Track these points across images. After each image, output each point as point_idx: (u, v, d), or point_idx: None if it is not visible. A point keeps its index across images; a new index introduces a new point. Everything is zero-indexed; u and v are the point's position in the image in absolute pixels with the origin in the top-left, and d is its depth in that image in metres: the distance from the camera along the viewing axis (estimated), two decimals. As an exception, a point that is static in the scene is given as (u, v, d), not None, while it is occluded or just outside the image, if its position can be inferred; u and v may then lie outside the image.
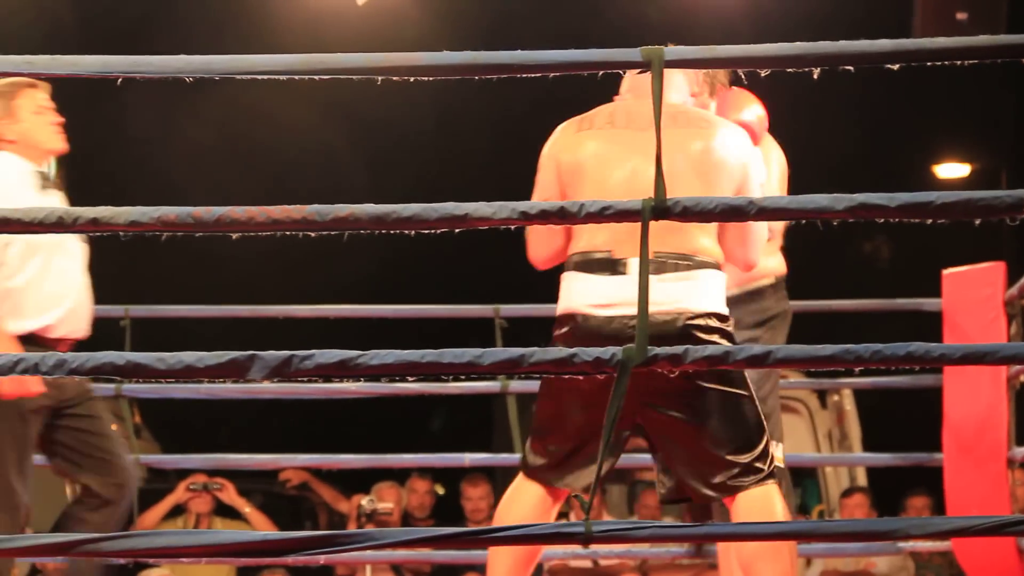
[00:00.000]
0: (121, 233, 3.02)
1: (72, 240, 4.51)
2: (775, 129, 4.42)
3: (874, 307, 5.96)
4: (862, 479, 8.24)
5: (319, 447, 6.01)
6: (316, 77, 3.04)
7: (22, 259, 4.43)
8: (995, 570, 4.23)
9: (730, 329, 3.58)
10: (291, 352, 2.92)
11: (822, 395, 8.30)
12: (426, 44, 3.17)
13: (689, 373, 3.34)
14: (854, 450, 8.05)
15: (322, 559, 5.41)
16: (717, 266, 3.57)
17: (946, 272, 5.39)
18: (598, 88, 3.58)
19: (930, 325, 5.38)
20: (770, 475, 3.58)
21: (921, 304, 5.70)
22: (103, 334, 5.29)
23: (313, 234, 3.10)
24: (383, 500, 6.84)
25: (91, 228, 3.04)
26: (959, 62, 2.95)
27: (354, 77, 3.03)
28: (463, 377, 3.85)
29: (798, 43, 2.93)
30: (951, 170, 12.15)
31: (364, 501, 6.72)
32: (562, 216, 3.01)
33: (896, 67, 2.99)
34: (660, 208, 2.92)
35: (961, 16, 7.00)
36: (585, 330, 3.55)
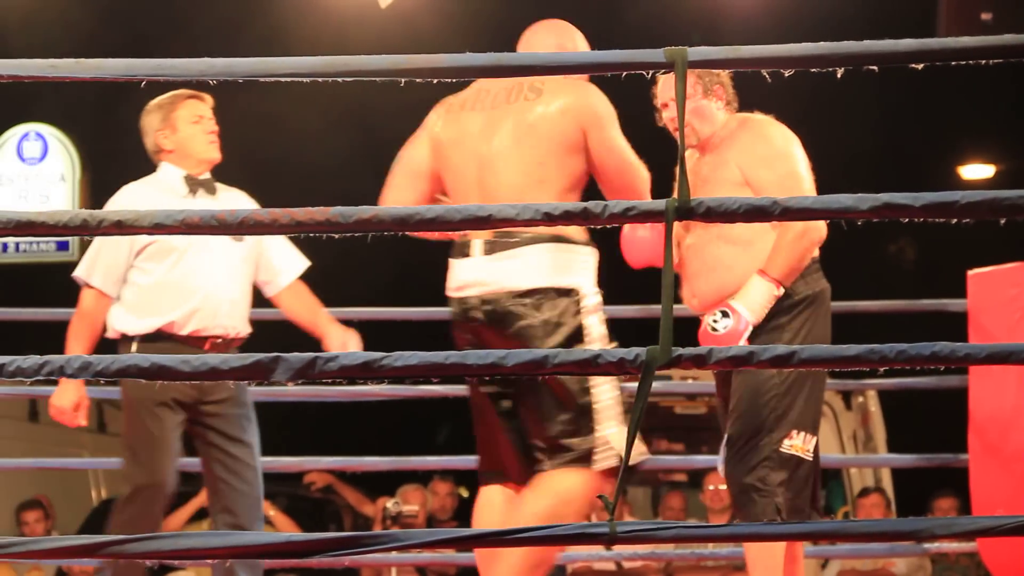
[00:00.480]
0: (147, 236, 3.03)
1: (218, 240, 4.68)
2: (798, 129, 4.41)
3: (899, 308, 5.94)
4: (887, 480, 8.22)
5: (343, 450, 6.01)
6: (339, 80, 3.04)
7: (155, 260, 4.66)
8: (1021, 570, 4.21)
9: (575, 300, 3.68)
10: (315, 354, 2.92)
11: (847, 396, 8.28)
12: (448, 46, 3.17)
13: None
14: (879, 451, 8.03)
15: (347, 561, 5.42)
16: (560, 239, 3.65)
17: (971, 273, 5.37)
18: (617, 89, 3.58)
19: (955, 326, 5.36)
20: (578, 460, 3.66)
21: (946, 305, 5.68)
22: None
23: (337, 236, 3.10)
24: (408, 503, 6.84)
25: (115, 231, 3.05)
26: (983, 62, 2.94)
27: (376, 80, 3.03)
28: (487, 379, 3.88)
29: (822, 43, 2.92)
30: (976, 171, 12.10)
31: (389, 503, 6.72)
32: (585, 217, 3.01)
33: (920, 67, 2.98)
34: (684, 208, 2.91)
35: (986, 16, 6.97)
36: (454, 315, 3.75)
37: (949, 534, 2.92)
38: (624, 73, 3.02)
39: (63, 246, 10.24)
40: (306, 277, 4.96)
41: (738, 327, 4.09)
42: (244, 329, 4.77)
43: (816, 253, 4.28)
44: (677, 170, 2.96)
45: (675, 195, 2.96)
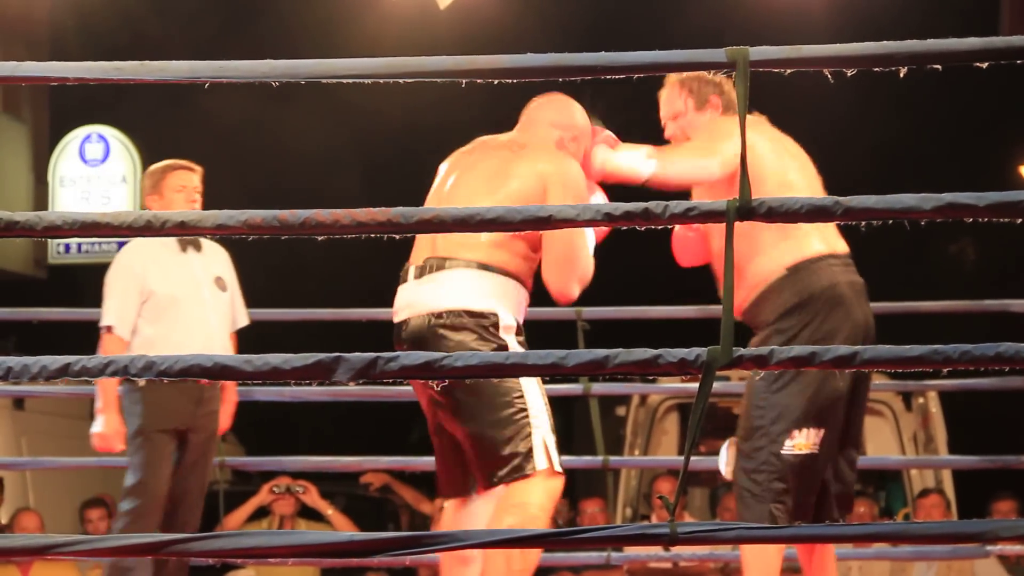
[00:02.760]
0: (208, 236, 3.05)
1: (208, 292, 5.26)
2: (857, 130, 4.38)
3: (960, 308, 5.90)
4: (948, 482, 8.16)
5: (401, 449, 6.03)
6: (399, 81, 3.05)
7: (156, 311, 5.17)
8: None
9: (492, 323, 3.76)
10: (376, 354, 2.93)
11: (907, 397, 8.23)
12: (509, 47, 3.18)
13: (438, 384, 3.72)
14: (939, 453, 7.97)
15: (408, 560, 5.44)
16: (484, 266, 3.78)
17: (1034, 273, 5.33)
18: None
19: (1018, 326, 5.32)
20: (517, 470, 3.76)
21: (1008, 305, 5.64)
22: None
23: (398, 236, 3.12)
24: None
25: (179, 231, 3.08)
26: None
27: (437, 80, 3.04)
28: (547, 379, 3.89)
29: (886, 42, 2.91)
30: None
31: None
32: (646, 217, 3.01)
33: (984, 66, 2.96)
34: (745, 208, 2.91)
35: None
36: (394, 339, 3.90)
37: (1013, 536, 2.90)
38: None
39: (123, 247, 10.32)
40: (367, 277, 5.03)
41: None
42: None
43: (823, 249, 4.17)
44: (739, 170, 2.95)
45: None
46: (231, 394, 5.41)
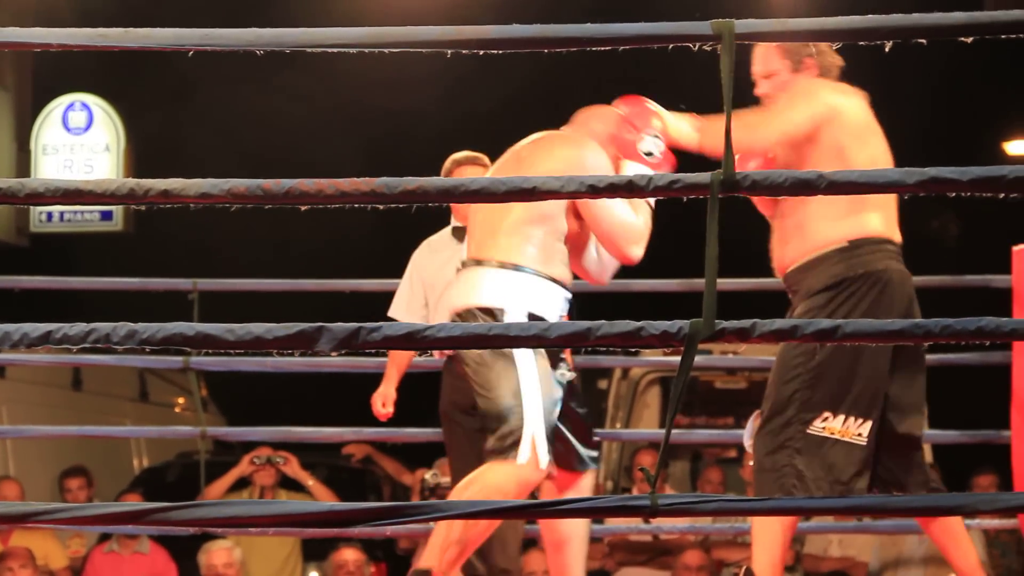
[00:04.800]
0: (191, 205, 3.04)
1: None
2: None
3: (942, 283, 5.90)
4: (928, 456, 8.19)
5: (383, 421, 6.03)
6: (385, 51, 3.04)
7: (438, 302, 5.11)
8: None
9: (493, 318, 3.97)
10: (359, 324, 2.93)
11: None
12: (495, 18, 3.17)
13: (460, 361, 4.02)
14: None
15: (388, 531, 5.45)
16: (504, 265, 4.03)
17: (1016, 248, 5.33)
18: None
19: (999, 302, 5.32)
20: (502, 452, 3.93)
21: (990, 280, 5.65)
22: (172, 307, 5.34)
23: (382, 207, 3.11)
24: (446, 474, 6.87)
25: (162, 199, 3.06)
26: (1032, 35, 2.91)
27: (423, 51, 3.03)
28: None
29: (870, 16, 2.90)
30: (1022, 147, 12.01)
31: (428, 475, 6.74)
32: (630, 189, 3.01)
33: (968, 41, 2.96)
34: (729, 181, 2.91)
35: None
36: None
37: (992, 509, 2.91)
38: (671, 45, 3.01)
39: (107, 216, 10.28)
40: (352, 248, 5.01)
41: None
42: None
43: (884, 232, 4.16)
44: (723, 143, 2.95)
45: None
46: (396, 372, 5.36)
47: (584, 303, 5.63)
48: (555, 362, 4.09)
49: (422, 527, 5.21)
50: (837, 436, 4.04)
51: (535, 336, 2.98)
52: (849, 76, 4.27)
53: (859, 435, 4.04)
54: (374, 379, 5.36)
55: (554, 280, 4.08)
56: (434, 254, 5.28)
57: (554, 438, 4.03)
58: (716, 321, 2.89)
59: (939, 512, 2.90)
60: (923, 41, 2.93)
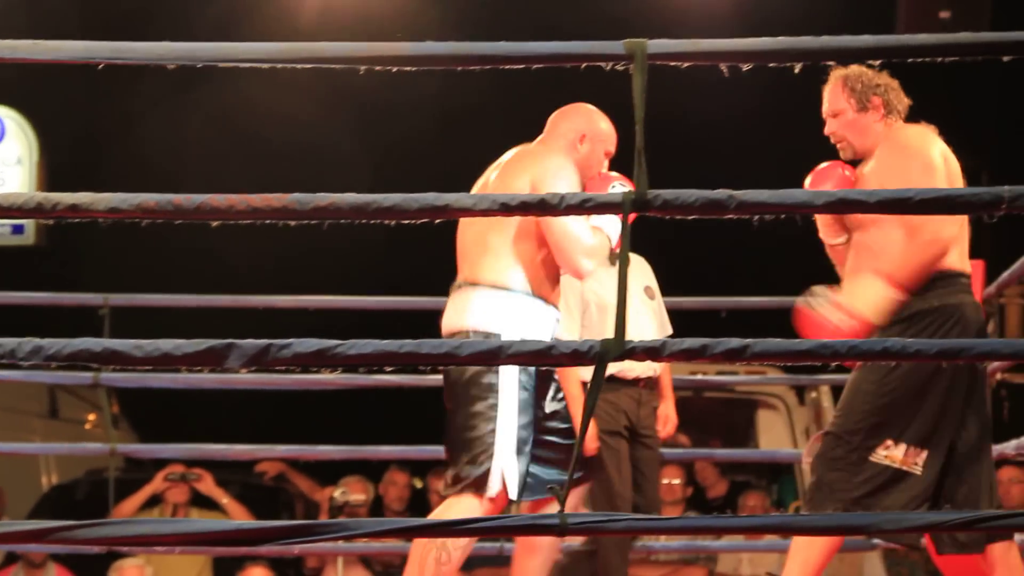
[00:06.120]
0: (100, 220, 3.01)
1: (639, 301, 5.21)
2: (757, 128, 4.41)
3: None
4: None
5: (296, 438, 5.99)
6: (301, 66, 3.03)
7: (594, 321, 5.15)
8: (968, 567, 4.23)
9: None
10: (269, 341, 2.91)
11: (800, 391, 8.31)
12: (415, 35, 3.17)
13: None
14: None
15: (296, 549, 5.41)
16: (495, 287, 4.05)
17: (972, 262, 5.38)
18: (594, 85, 3.59)
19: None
20: (470, 487, 3.95)
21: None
22: (82, 322, 5.28)
23: (293, 223, 3.09)
24: (355, 492, 6.84)
25: (70, 213, 3.03)
26: (940, 59, 2.95)
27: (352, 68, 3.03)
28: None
29: (781, 38, 2.94)
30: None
31: (337, 493, 6.72)
32: (542, 208, 3.01)
33: (878, 63, 3.00)
34: (640, 201, 2.92)
35: (944, 14, 7.01)
36: None
37: (898, 529, 2.94)
38: (583, 65, 3.03)
39: (18, 229, 10.14)
40: (272, 264, 4.97)
41: (843, 319, 4.03)
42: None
43: (959, 266, 4.14)
44: (635, 163, 2.96)
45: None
46: (667, 391, 5.38)
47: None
48: (546, 388, 4.11)
49: (330, 546, 5.19)
50: (897, 464, 4.07)
51: (446, 354, 2.98)
52: (765, 96, 4.32)
53: (915, 464, 4.06)
54: (287, 396, 5.33)
55: (546, 300, 4.11)
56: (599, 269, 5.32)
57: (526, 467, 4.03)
58: (626, 340, 2.90)
59: (845, 531, 2.92)
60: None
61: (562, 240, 4.05)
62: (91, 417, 10.92)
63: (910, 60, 2.92)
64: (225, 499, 7.13)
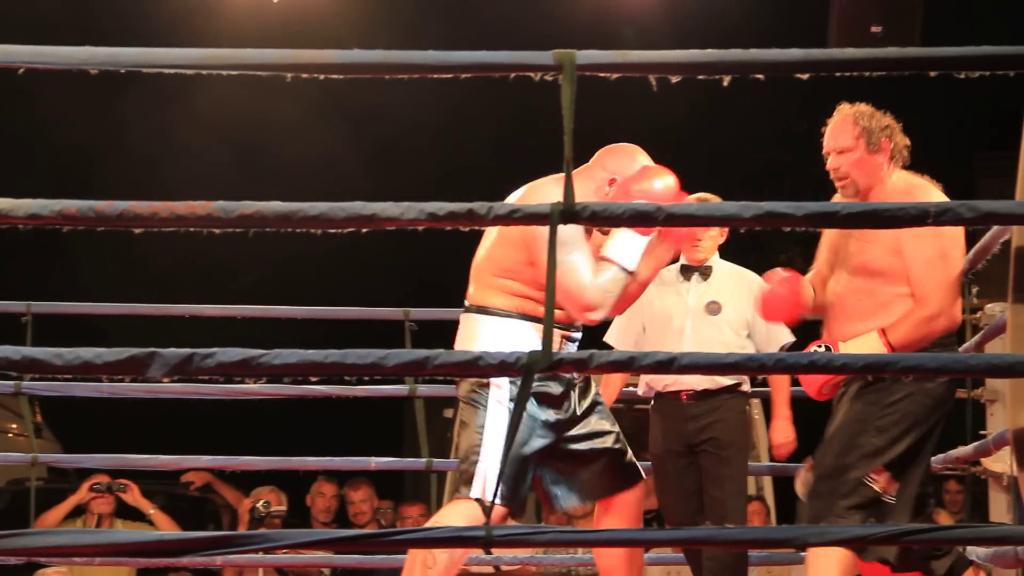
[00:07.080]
0: (20, 226, 2.97)
1: (691, 321, 5.30)
2: (695, 141, 4.42)
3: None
4: (768, 489, 8.28)
5: (222, 448, 5.94)
6: (229, 73, 2.99)
7: (646, 337, 5.34)
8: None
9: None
10: (192, 350, 2.87)
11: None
12: (344, 43, 3.14)
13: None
14: (761, 459, 8.08)
15: (219, 560, 5.35)
16: (499, 313, 4.10)
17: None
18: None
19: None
20: (460, 490, 4.03)
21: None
22: (4, 330, 5.21)
23: (218, 231, 3.05)
24: (277, 504, 6.80)
25: (-15, 223, 2.98)
26: (869, 74, 2.96)
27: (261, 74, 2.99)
28: (368, 379, 3.87)
29: (710, 50, 2.93)
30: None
31: (259, 504, 6.67)
32: (470, 218, 2.99)
33: (805, 77, 3.00)
34: (568, 212, 2.91)
35: (876, 29, 7.05)
36: None
37: (821, 542, 2.94)
38: (512, 75, 3.01)
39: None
40: (198, 272, 4.91)
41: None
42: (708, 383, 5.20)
43: (952, 327, 4.20)
44: (563, 176, 2.94)
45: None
46: (778, 409, 5.37)
47: (427, 332, 5.61)
48: (559, 401, 4.08)
49: (255, 557, 5.14)
50: (879, 490, 4.11)
51: (372, 364, 2.94)
52: (702, 108, 4.32)
53: (889, 495, 4.12)
54: (213, 405, 5.27)
55: (560, 323, 4.09)
56: (659, 285, 5.34)
57: (522, 477, 4.05)
58: (553, 352, 2.89)
59: (769, 544, 2.92)
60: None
61: (562, 287, 4.00)
62: (14, 426, 10.80)
63: (838, 74, 2.92)
64: (152, 510, 7.05)
